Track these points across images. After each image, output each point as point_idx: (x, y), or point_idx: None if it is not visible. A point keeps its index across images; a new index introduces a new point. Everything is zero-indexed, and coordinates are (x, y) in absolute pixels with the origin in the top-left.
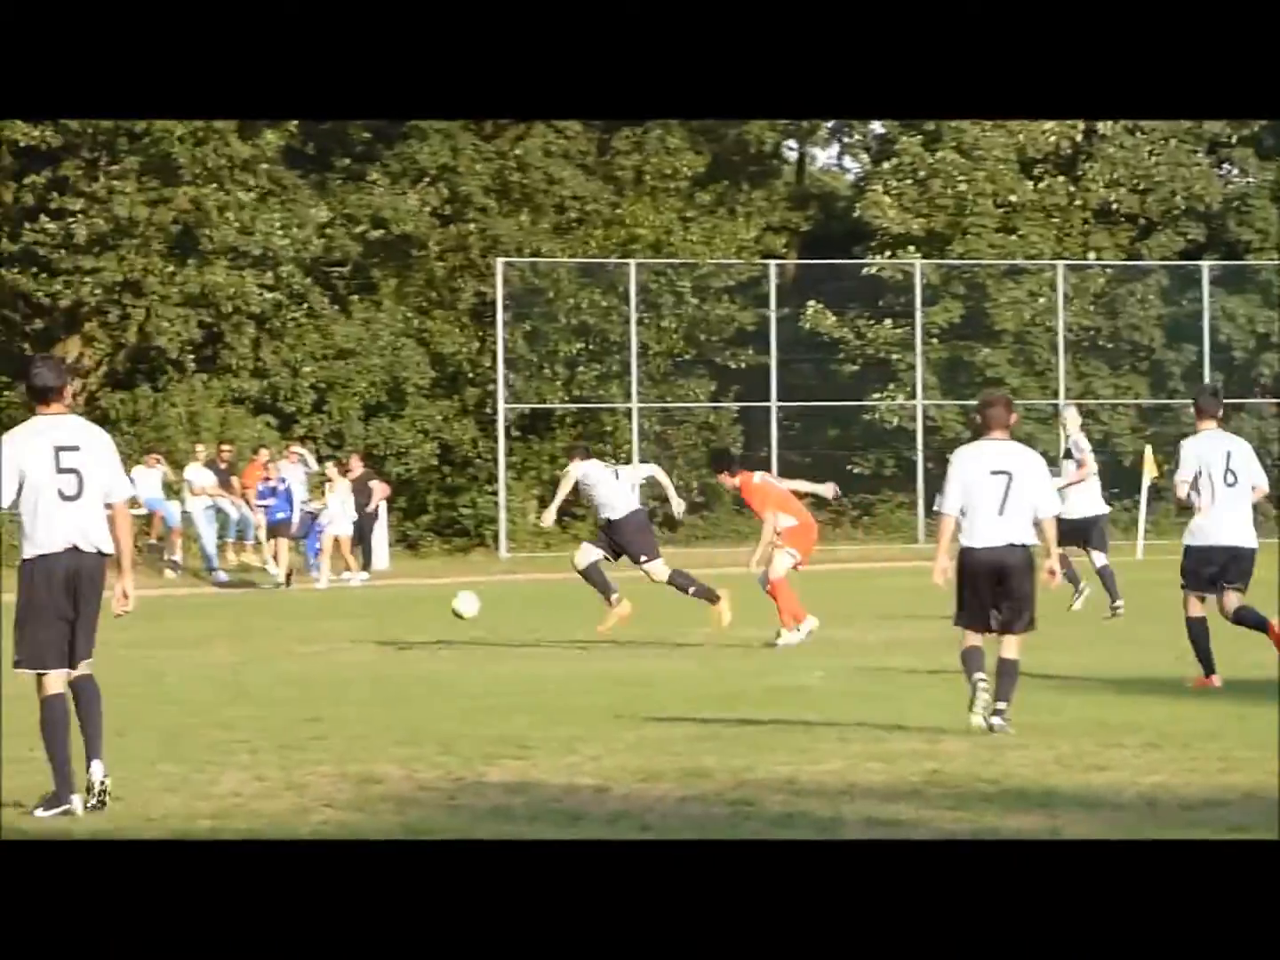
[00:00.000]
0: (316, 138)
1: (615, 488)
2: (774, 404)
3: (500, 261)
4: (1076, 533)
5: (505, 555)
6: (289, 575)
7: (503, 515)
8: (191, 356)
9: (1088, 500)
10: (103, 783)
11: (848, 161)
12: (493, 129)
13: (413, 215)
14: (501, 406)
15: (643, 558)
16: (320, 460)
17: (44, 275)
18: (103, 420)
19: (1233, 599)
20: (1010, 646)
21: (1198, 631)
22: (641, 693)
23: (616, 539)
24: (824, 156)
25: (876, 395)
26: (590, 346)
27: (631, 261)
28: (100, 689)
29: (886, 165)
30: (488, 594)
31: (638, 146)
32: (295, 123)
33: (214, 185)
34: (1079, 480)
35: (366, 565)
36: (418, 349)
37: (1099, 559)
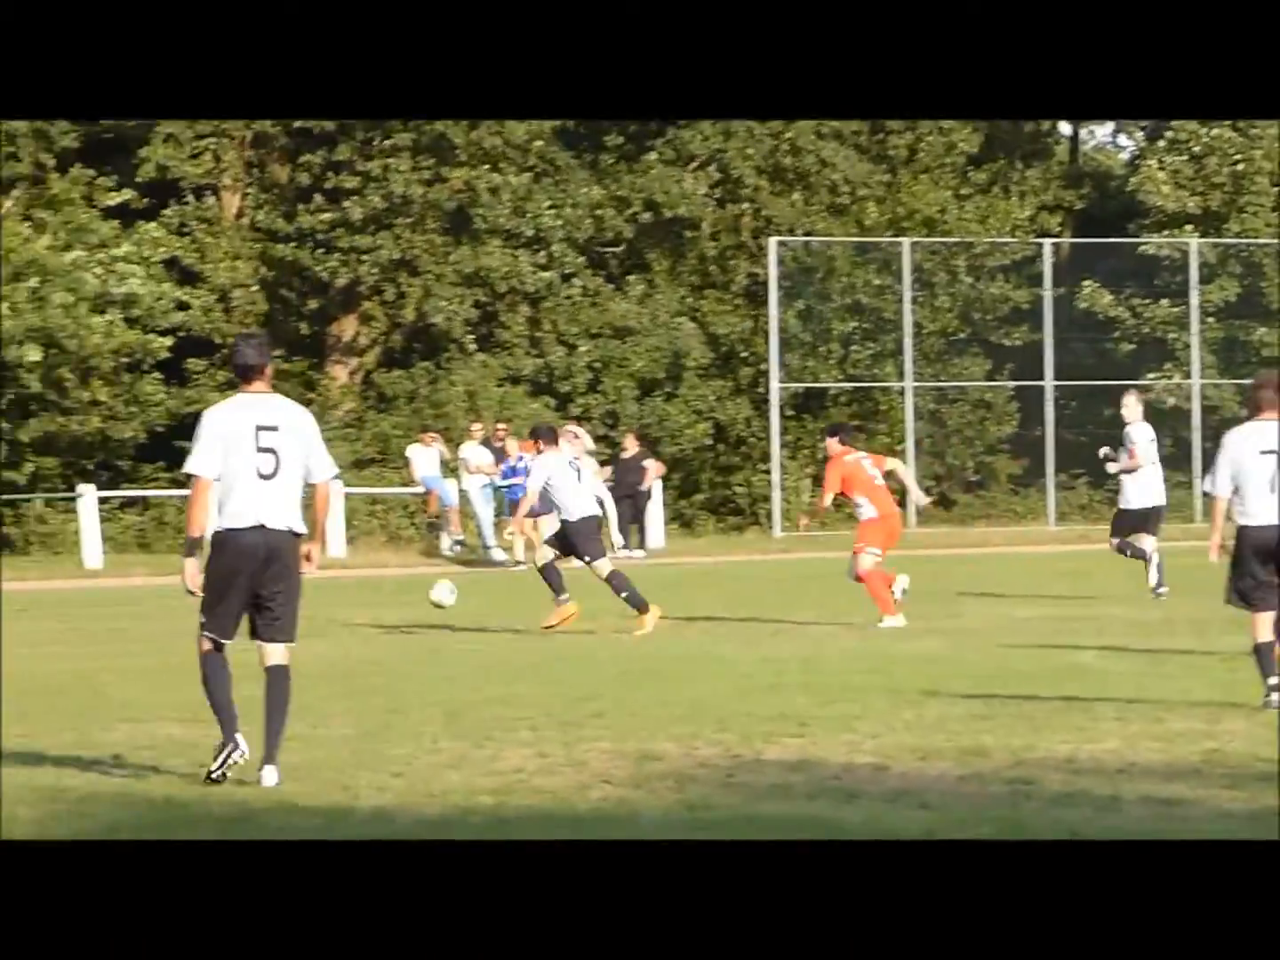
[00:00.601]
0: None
1: (576, 490)
2: (1049, 383)
3: (773, 240)
4: (1140, 522)
5: (779, 534)
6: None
7: (776, 494)
8: (469, 335)
9: (1145, 490)
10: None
11: (1122, 139)
12: None
13: (685, 198)
14: (775, 385)
15: (587, 558)
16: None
17: (321, 253)
18: (379, 399)
19: None
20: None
21: None
22: (919, 671)
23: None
24: (1099, 134)
25: (1152, 374)
26: (864, 325)
27: (905, 240)
28: (291, 685)
29: (1161, 142)
30: (762, 572)
31: (910, 126)
32: None
33: (487, 166)
34: (1130, 469)
35: (642, 544)
36: (693, 328)
37: (1149, 543)
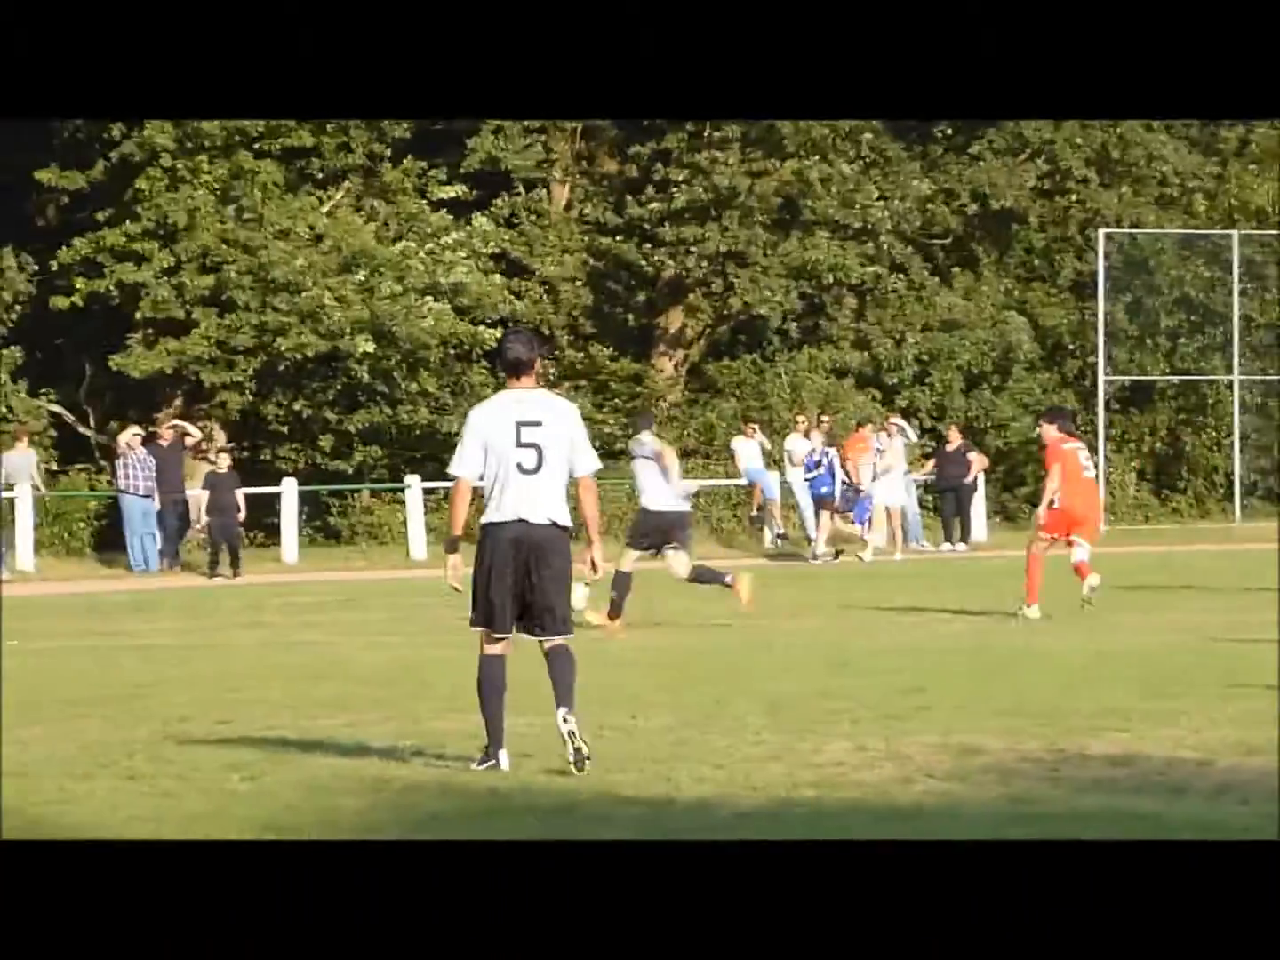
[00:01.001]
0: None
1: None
2: None
3: (1102, 233)
4: None
5: (1103, 529)
6: (837, 551)
7: (1102, 487)
8: (795, 326)
9: None
10: (571, 734)
11: None
12: None
13: (1014, 190)
14: (1102, 378)
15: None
16: (921, 433)
17: (648, 246)
18: (707, 388)
19: None
20: None
21: None
22: (1243, 664)
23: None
24: None
25: None
26: (1192, 318)
27: (1234, 232)
28: (575, 656)
29: None
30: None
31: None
32: None
33: (817, 157)
34: None
35: (965, 537)
36: (1021, 321)
37: None
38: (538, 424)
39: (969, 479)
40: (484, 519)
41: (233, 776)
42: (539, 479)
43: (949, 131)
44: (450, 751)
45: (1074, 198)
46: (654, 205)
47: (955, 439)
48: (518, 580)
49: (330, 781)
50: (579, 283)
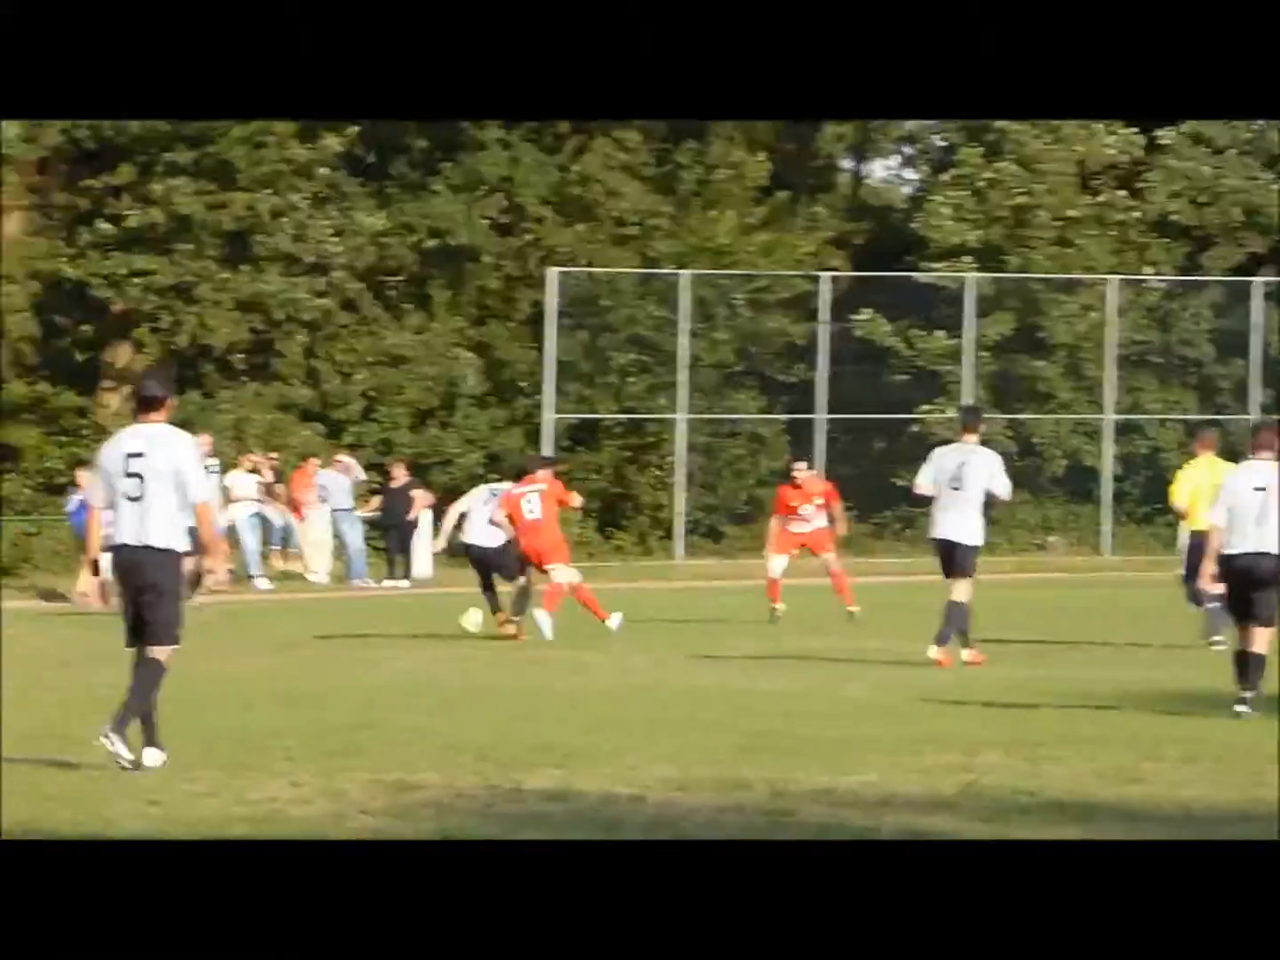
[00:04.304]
0: (377, 145)
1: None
2: (821, 416)
3: (553, 271)
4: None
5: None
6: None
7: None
8: (241, 359)
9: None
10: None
11: (907, 173)
12: (553, 141)
13: (470, 226)
14: (549, 416)
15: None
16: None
17: (97, 279)
18: None
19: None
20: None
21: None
22: (681, 703)
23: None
24: (881, 168)
25: (925, 407)
26: (642, 357)
27: (684, 273)
28: (158, 672)
29: (945, 176)
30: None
31: (700, 158)
32: (355, 129)
33: (269, 190)
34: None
35: (408, 573)
36: (473, 357)
37: None
38: (140, 455)
39: (413, 515)
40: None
41: None
42: (142, 506)
43: (402, 167)
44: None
45: (530, 236)
46: (103, 236)
47: (401, 475)
48: (130, 599)
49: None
50: (25, 314)
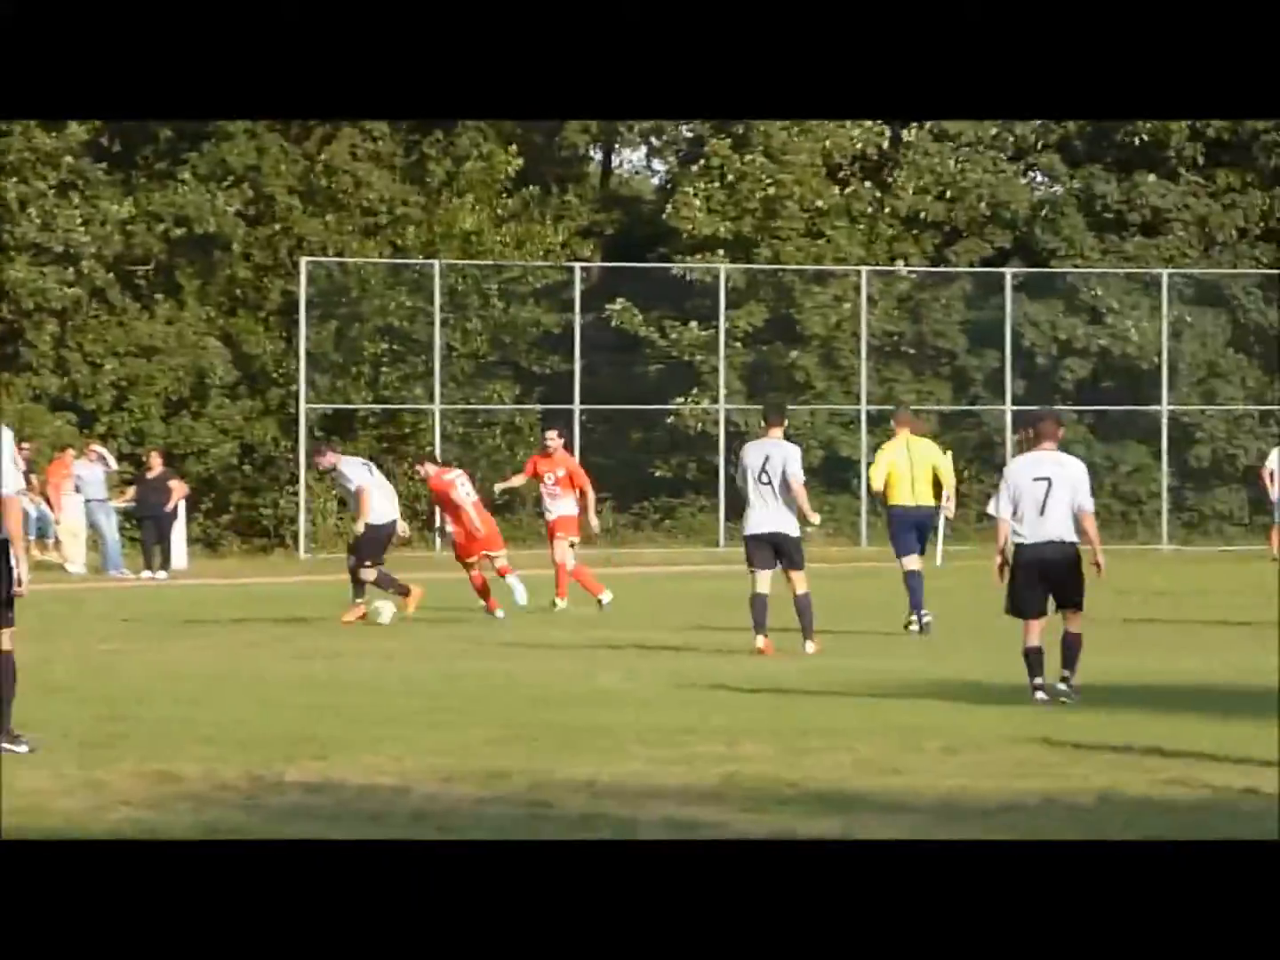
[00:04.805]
0: (122, 134)
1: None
2: (577, 407)
3: (305, 260)
4: None
5: (305, 555)
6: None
7: (303, 516)
8: None
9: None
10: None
11: (656, 164)
12: (300, 131)
13: (218, 215)
14: (303, 406)
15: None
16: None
17: None
18: None
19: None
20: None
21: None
22: (445, 694)
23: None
24: (631, 159)
25: (680, 399)
26: (395, 347)
27: (436, 262)
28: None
29: (694, 168)
30: (287, 594)
31: (448, 150)
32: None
33: (15, 178)
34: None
35: (165, 564)
36: (221, 348)
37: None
38: None
39: (169, 506)
40: None
41: None
42: None
43: (148, 156)
44: None
45: (278, 225)
46: None
47: (157, 466)
48: None
49: None
50: None
